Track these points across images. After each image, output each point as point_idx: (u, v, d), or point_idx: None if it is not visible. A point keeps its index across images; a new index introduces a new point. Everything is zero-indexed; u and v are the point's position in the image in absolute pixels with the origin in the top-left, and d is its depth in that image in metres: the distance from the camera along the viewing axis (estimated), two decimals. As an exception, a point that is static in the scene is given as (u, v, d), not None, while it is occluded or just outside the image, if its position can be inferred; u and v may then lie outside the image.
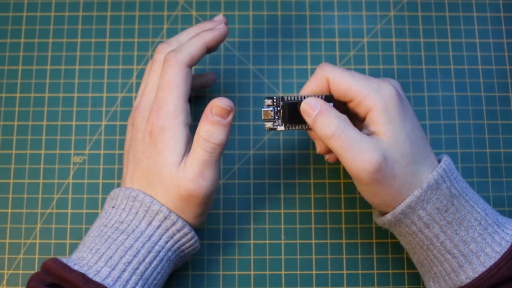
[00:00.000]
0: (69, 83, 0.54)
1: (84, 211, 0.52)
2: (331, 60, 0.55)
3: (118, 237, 0.42)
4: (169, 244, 0.43)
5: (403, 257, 0.51)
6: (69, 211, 0.52)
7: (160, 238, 0.43)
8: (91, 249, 0.42)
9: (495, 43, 0.56)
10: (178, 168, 0.43)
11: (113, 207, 0.44)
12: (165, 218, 0.43)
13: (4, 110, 0.54)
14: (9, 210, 0.52)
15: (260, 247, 0.51)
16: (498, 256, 0.41)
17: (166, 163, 0.43)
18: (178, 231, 0.43)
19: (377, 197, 0.42)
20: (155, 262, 0.42)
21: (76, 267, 0.41)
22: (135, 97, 0.54)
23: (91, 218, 0.51)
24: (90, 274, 0.40)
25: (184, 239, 0.44)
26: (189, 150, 0.43)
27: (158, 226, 0.43)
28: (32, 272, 0.50)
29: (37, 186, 0.52)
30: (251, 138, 0.53)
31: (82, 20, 0.56)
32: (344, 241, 0.51)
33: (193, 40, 0.45)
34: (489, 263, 0.41)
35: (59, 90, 0.54)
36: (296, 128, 0.44)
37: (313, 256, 0.51)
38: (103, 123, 0.53)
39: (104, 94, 0.54)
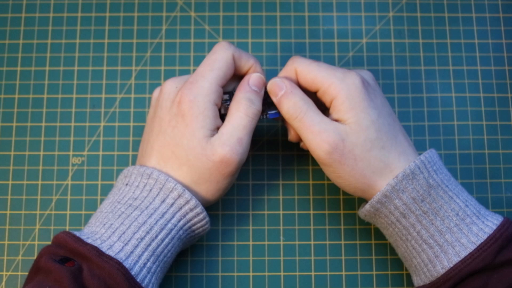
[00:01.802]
0: (67, 84, 0.54)
1: (83, 212, 0.52)
2: (330, 61, 0.55)
3: (131, 213, 0.42)
4: (181, 222, 0.43)
5: (402, 258, 0.51)
6: (68, 212, 0.52)
7: (173, 216, 0.43)
8: (104, 224, 0.42)
9: (494, 43, 0.56)
10: (209, 140, 0.43)
11: (126, 184, 0.44)
12: (179, 196, 0.43)
13: (2, 111, 0.54)
14: (8, 212, 0.52)
15: (259, 248, 0.51)
16: (473, 247, 0.41)
17: (195, 136, 0.43)
18: (191, 210, 0.43)
19: (341, 178, 0.44)
20: (167, 240, 0.43)
21: (89, 241, 0.41)
22: (134, 98, 0.54)
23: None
24: (104, 248, 0.41)
25: (196, 219, 0.44)
26: (217, 129, 0.44)
27: (172, 204, 0.43)
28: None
29: (36, 188, 0.52)
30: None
31: (80, 21, 0.55)
32: (343, 242, 0.51)
33: (251, 56, 0.47)
34: (464, 253, 0.41)
35: (58, 91, 0.54)
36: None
37: (312, 257, 0.51)
38: (102, 124, 0.53)
39: (103, 95, 0.54)
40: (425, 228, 0.43)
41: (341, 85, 0.43)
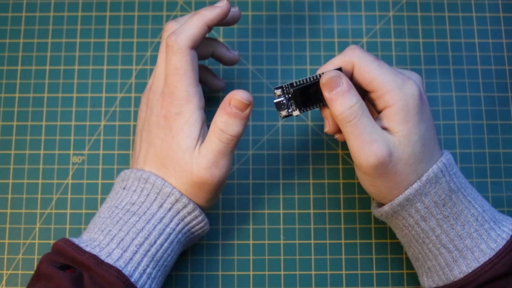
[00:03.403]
0: (68, 83, 0.54)
1: (83, 211, 0.52)
2: (330, 60, 0.55)
3: (129, 219, 0.42)
4: (180, 226, 0.44)
5: (402, 258, 0.51)
6: (68, 211, 0.52)
7: (171, 221, 0.43)
8: (103, 231, 0.42)
9: (494, 43, 0.56)
10: (192, 154, 0.43)
11: (124, 188, 0.44)
12: (177, 200, 0.43)
13: (3, 110, 0.54)
14: (8, 211, 0.52)
15: (259, 248, 0.51)
16: (492, 253, 0.41)
17: (180, 148, 0.43)
18: (189, 213, 0.44)
19: (375, 187, 0.43)
20: (166, 244, 0.43)
21: (88, 249, 0.41)
22: (134, 97, 0.54)
23: (90, 219, 0.51)
24: (102, 256, 0.41)
25: (194, 222, 0.44)
26: (203, 135, 0.43)
27: (170, 209, 0.43)
28: (31, 272, 0.50)
29: (36, 186, 0.52)
30: (250, 138, 0.53)
31: (81, 20, 0.55)
32: (343, 241, 0.51)
33: (192, 20, 0.43)
34: (483, 259, 0.41)
35: (58, 90, 0.54)
36: (310, 109, 0.43)
37: (312, 257, 0.51)
38: (102, 123, 0.53)
39: (103, 94, 0.54)
40: (445, 232, 0.42)
41: (400, 95, 0.41)
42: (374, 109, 0.44)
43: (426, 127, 0.42)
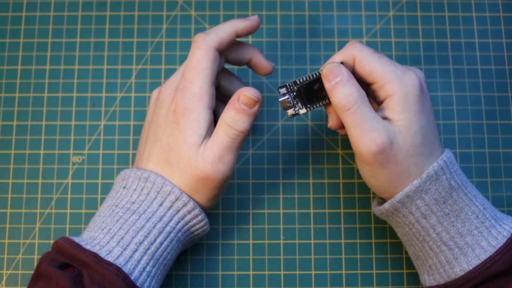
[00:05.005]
0: (68, 83, 0.54)
1: (83, 211, 0.52)
2: (330, 60, 0.55)
3: (129, 217, 0.42)
4: (180, 225, 0.44)
5: (402, 257, 0.51)
6: (68, 211, 0.52)
7: (171, 219, 0.43)
8: (103, 229, 0.42)
9: (494, 43, 0.56)
10: (198, 150, 0.43)
11: (124, 187, 0.44)
12: (177, 199, 0.43)
13: (3, 110, 0.54)
14: (8, 210, 0.52)
15: (259, 247, 0.51)
16: (493, 250, 0.41)
17: (186, 143, 0.43)
18: (189, 212, 0.44)
19: (375, 178, 0.43)
20: (165, 243, 0.43)
21: (88, 247, 0.41)
22: (134, 97, 0.54)
23: (90, 218, 0.51)
24: (102, 254, 0.41)
25: (194, 221, 0.44)
26: (210, 133, 0.44)
27: (170, 207, 0.43)
28: (31, 272, 0.50)
29: (36, 186, 0.52)
30: (250, 138, 0.53)
31: (81, 20, 0.55)
32: (343, 241, 0.51)
33: (224, 24, 0.45)
34: (484, 256, 0.41)
35: (58, 90, 0.54)
36: (317, 106, 0.44)
37: (312, 256, 0.51)
38: (102, 123, 0.53)
39: (103, 94, 0.54)
40: (445, 229, 0.42)
41: (400, 85, 0.41)
42: (375, 103, 0.44)
43: (426, 119, 0.42)
